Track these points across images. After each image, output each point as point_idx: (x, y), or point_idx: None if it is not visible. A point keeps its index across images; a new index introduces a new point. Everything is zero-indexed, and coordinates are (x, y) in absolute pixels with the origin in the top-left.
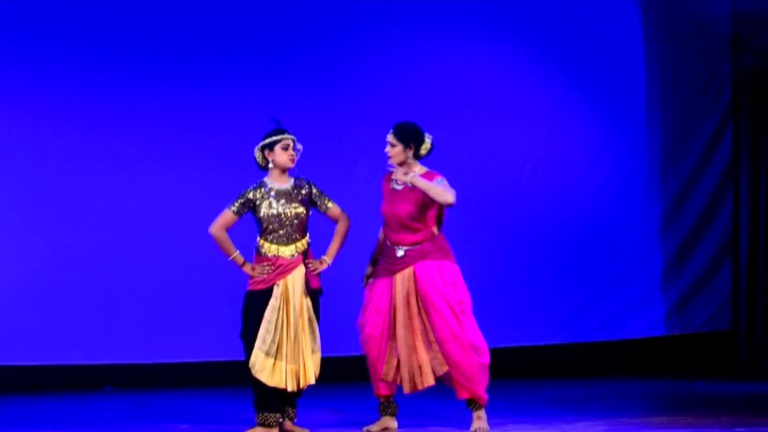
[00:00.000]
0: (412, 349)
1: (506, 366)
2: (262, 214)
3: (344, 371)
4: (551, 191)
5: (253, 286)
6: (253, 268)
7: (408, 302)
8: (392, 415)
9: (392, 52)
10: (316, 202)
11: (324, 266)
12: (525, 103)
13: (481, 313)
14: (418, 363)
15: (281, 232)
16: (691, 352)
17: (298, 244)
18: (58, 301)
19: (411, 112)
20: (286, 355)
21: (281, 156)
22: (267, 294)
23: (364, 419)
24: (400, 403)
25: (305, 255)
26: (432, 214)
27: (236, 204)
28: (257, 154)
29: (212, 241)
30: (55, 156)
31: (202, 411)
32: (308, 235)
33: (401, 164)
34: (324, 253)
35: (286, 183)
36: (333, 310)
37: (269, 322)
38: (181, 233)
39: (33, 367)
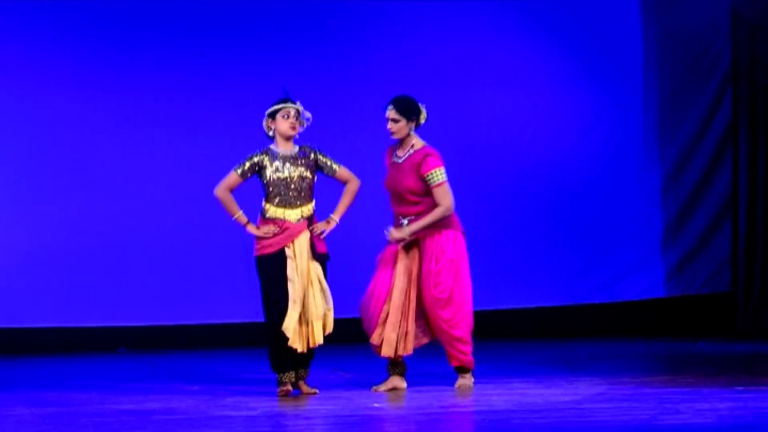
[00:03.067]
0: (404, 316)
1: (509, 327)
2: (268, 178)
3: (354, 332)
4: (551, 156)
5: (261, 251)
6: (258, 228)
7: (410, 269)
8: (401, 374)
9: (384, 21)
10: (322, 167)
11: (332, 225)
12: (521, 71)
13: (482, 276)
14: (404, 330)
15: (287, 195)
16: (690, 313)
17: (304, 208)
18: (72, 264)
19: (405, 81)
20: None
21: (282, 124)
22: (277, 257)
23: (373, 379)
24: (408, 363)
25: (311, 221)
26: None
27: (242, 166)
28: (264, 122)
29: (220, 203)
30: (66, 123)
31: (213, 372)
32: (314, 201)
33: (404, 138)
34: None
35: (291, 149)
36: (343, 271)
37: (293, 281)
38: (194, 195)
39: (47, 329)
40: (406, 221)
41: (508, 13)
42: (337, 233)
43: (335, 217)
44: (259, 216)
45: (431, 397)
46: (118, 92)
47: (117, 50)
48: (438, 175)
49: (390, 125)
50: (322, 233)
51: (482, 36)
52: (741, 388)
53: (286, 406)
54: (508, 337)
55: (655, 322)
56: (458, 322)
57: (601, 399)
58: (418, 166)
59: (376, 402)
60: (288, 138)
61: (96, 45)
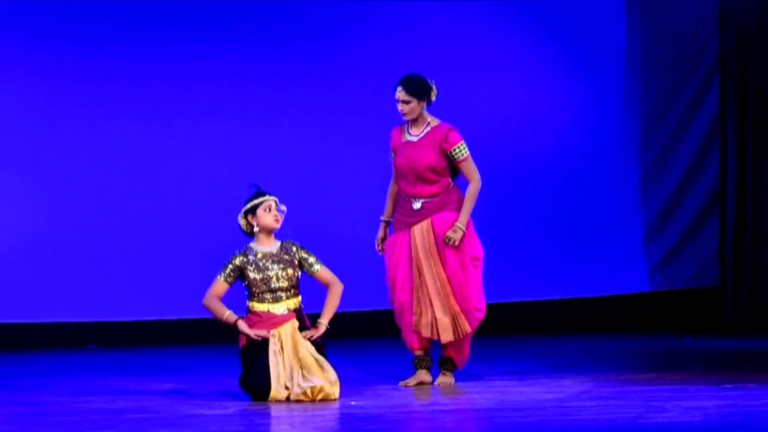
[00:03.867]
0: (435, 298)
1: (492, 322)
2: (250, 279)
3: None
4: (532, 151)
5: (245, 341)
6: (250, 328)
7: (431, 253)
8: (427, 368)
9: (373, 17)
10: (302, 265)
11: (321, 330)
12: (500, 62)
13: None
14: (434, 315)
15: (271, 293)
16: (678, 308)
17: (289, 302)
18: (37, 258)
19: (387, 71)
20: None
21: (265, 218)
22: (263, 342)
23: (400, 374)
24: (434, 357)
25: (298, 312)
26: (448, 164)
27: (226, 271)
28: (241, 221)
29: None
30: (40, 117)
31: (186, 369)
32: (300, 296)
33: (416, 119)
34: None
35: (273, 245)
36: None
37: (276, 364)
38: (163, 189)
39: (12, 325)
40: (419, 204)
41: (488, 7)
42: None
43: (323, 321)
44: (245, 313)
45: (410, 395)
46: (91, 87)
47: (103, 45)
48: (463, 149)
49: (401, 107)
50: (310, 338)
51: (462, 26)
52: (730, 386)
53: (261, 405)
54: (490, 333)
55: (641, 317)
56: (478, 314)
57: (585, 397)
58: (441, 141)
59: (354, 400)
60: (271, 232)
61: (80, 39)
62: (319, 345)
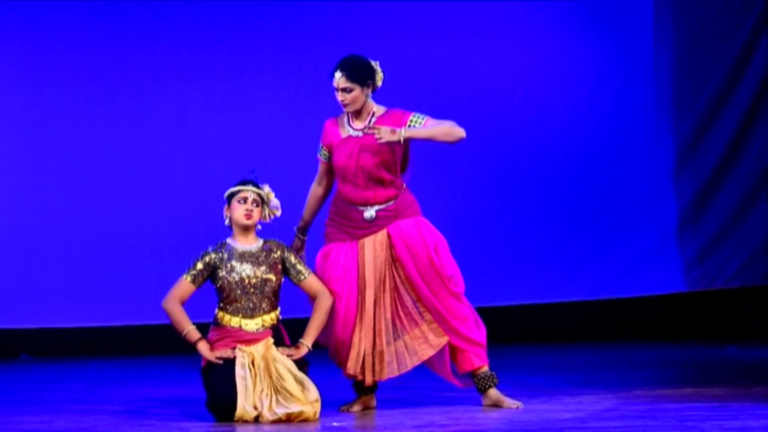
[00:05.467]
0: (378, 333)
1: (498, 329)
2: (221, 280)
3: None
4: (545, 124)
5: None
6: (211, 349)
7: (382, 274)
8: (371, 392)
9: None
10: (288, 271)
11: (302, 351)
12: (509, 20)
13: (468, 267)
14: (380, 348)
15: (244, 302)
16: (717, 311)
17: (266, 317)
18: None
19: (394, 35)
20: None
21: (236, 210)
22: (229, 360)
23: (340, 396)
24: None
25: (276, 331)
26: (401, 157)
27: (194, 269)
28: (224, 209)
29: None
30: None
31: (136, 384)
32: (279, 309)
33: (360, 109)
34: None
35: (253, 244)
36: None
37: (244, 378)
38: (104, 189)
39: None
40: (372, 212)
41: None
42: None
43: (306, 342)
44: (211, 325)
45: (402, 415)
46: (62, 85)
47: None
48: (420, 116)
49: (341, 96)
50: (291, 356)
51: None
52: None
53: (227, 427)
54: (498, 340)
55: (673, 322)
56: (476, 322)
57: (609, 416)
58: (394, 126)
59: (336, 421)
60: (245, 229)
61: (43, 40)
62: (302, 361)
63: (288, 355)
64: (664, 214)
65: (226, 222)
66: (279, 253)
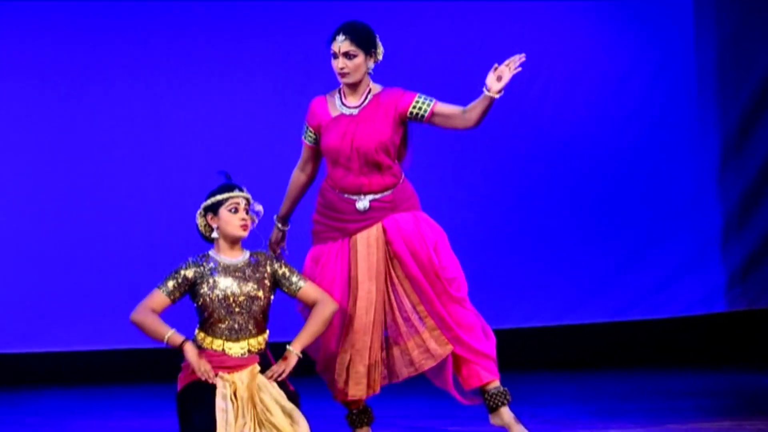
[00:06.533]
0: (375, 340)
1: (511, 354)
2: (202, 297)
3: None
4: (567, 120)
5: (186, 380)
6: (199, 357)
7: (377, 272)
8: (367, 424)
9: None
10: (280, 282)
11: (291, 363)
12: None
13: (474, 284)
14: (374, 359)
15: (228, 322)
16: (761, 333)
17: (252, 341)
18: None
19: (400, 24)
20: None
21: (229, 221)
22: (208, 384)
23: (333, 430)
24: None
25: (263, 358)
26: (400, 142)
27: (169, 283)
28: (199, 220)
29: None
30: None
31: (98, 415)
32: (267, 332)
33: (357, 83)
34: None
35: (239, 256)
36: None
37: (225, 411)
38: (63, 205)
39: None
40: (366, 202)
41: None
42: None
43: (294, 349)
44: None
45: None
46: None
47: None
48: (426, 98)
49: (342, 63)
50: (278, 378)
51: None
52: None
53: None
54: (511, 367)
55: (711, 346)
56: (483, 330)
57: None
58: (394, 105)
59: None
60: (236, 241)
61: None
62: (292, 393)
63: (275, 376)
64: (705, 222)
65: (209, 234)
66: (268, 267)
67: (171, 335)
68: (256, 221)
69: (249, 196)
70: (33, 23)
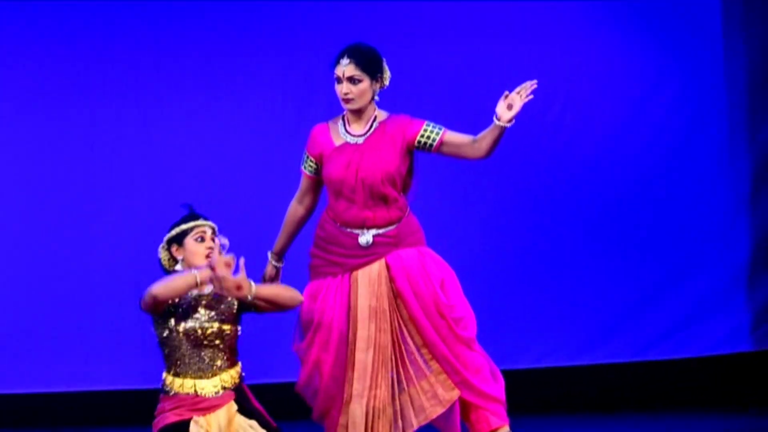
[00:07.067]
0: (377, 384)
1: (527, 395)
2: (166, 330)
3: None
4: (586, 144)
5: (160, 424)
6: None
7: (380, 311)
8: None
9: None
10: (243, 306)
11: (239, 281)
12: (543, 15)
13: (483, 321)
14: (381, 404)
15: (196, 359)
16: None
17: (225, 375)
18: None
19: (406, 34)
20: None
21: (195, 252)
22: (183, 427)
23: None
24: None
25: (239, 393)
26: (406, 173)
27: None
28: (161, 253)
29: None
30: None
31: None
32: (240, 364)
33: (362, 110)
34: None
35: (204, 289)
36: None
37: None
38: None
39: None
40: (369, 236)
41: None
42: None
43: (252, 283)
44: (160, 394)
45: None
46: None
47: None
48: (435, 126)
49: (345, 88)
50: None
51: None
52: None
53: None
54: (523, 410)
55: (736, 387)
56: (492, 373)
57: None
58: (401, 133)
59: None
60: None
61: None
62: (275, 430)
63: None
64: (731, 255)
65: (173, 268)
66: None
67: (200, 274)
68: (224, 251)
69: (214, 225)
70: (33, 25)
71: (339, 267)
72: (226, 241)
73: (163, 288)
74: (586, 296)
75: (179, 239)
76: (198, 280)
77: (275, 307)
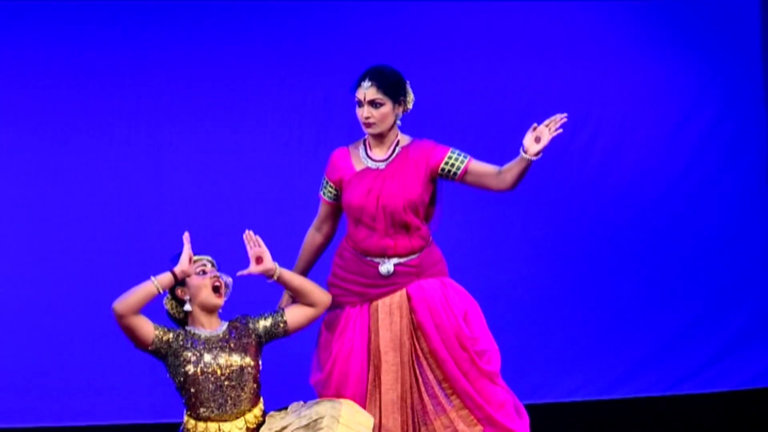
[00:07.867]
0: (405, 419)
1: (551, 431)
2: (184, 375)
3: None
4: (618, 170)
5: None
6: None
7: (400, 344)
8: None
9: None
10: (270, 333)
11: (267, 264)
12: (575, 35)
13: (509, 355)
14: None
15: (219, 400)
16: None
17: (249, 416)
18: None
19: (423, 46)
20: None
21: (200, 285)
22: None
23: None
24: None
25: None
26: (429, 201)
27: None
28: (167, 304)
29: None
30: None
31: None
32: (262, 400)
33: (384, 133)
34: None
35: (217, 327)
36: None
37: None
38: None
39: None
40: (390, 265)
41: None
42: None
43: (278, 266)
44: None
45: None
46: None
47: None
48: (459, 153)
49: (366, 112)
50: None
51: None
52: None
53: None
54: None
55: (762, 426)
56: (516, 408)
57: None
58: (425, 159)
59: None
60: (212, 310)
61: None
62: None
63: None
64: (759, 281)
65: (181, 312)
66: (247, 329)
67: (156, 279)
68: (229, 289)
69: (212, 259)
70: (34, 29)
71: (358, 297)
72: (229, 280)
73: (121, 303)
74: (619, 329)
75: (182, 280)
76: (156, 284)
77: (304, 298)
